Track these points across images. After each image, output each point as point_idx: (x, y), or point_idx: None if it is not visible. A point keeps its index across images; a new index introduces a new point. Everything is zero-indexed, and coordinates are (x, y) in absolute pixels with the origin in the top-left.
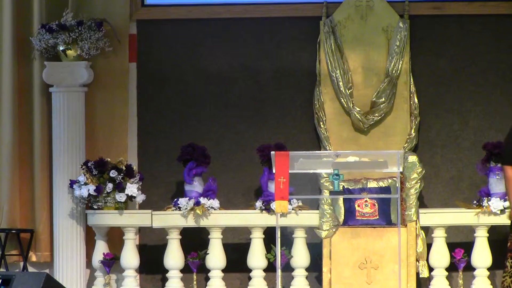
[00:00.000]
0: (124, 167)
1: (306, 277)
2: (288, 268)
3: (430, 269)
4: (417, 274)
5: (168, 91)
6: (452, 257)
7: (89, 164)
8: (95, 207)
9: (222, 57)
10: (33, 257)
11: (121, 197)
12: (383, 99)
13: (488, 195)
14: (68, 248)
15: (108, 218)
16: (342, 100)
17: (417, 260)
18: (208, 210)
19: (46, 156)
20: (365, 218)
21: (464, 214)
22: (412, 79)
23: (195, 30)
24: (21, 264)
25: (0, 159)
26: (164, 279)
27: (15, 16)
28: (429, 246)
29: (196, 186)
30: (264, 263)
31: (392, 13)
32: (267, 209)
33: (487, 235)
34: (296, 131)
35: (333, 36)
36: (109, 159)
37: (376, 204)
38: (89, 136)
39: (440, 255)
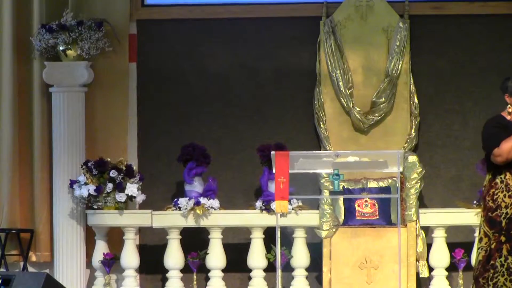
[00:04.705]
0: (124, 167)
1: (306, 277)
2: (288, 268)
3: (430, 269)
4: (417, 274)
5: (168, 91)
6: (452, 257)
7: (89, 164)
8: (95, 207)
9: (222, 57)
10: (33, 257)
11: (121, 197)
12: (383, 99)
13: None
14: (68, 248)
15: (108, 218)
16: (342, 100)
17: (417, 260)
18: (208, 210)
19: (46, 156)
20: (365, 218)
21: (464, 214)
22: (412, 79)
23: (195, 30)
24: (21, 264)
25: (0, 159)
26: (164, 279)
27: (15, 16)
28: (429, 246)
29: (196, 186)
30: (264, 263)
31: (392, 13)
32: (267, 209)
33: None
34: (296, 131)
35: (333, 36)
36: (109, 159)
37: (376, 204)
38: (89, 136)
39: (440, 255)
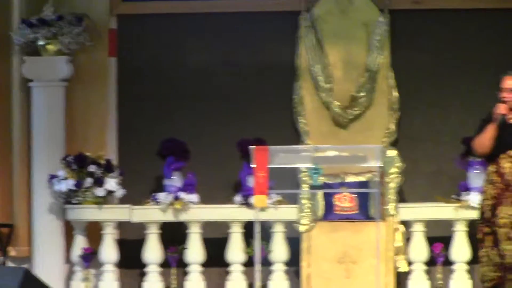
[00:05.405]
0: (103, 162)
1: (285, 272)
2: (267, 263)
3: (409, 263)
4: (396, 268)
5: (149, 86)
6: (431, 251)
7: (68, 159)
8: (74, 202)
9: (203, 52)
10: (12, 252)
11: (100, 191)
12: (363, 94)
13: (467, 189)
14: (47, 243)
15: (87, 212)
16: (322, 95)
17: (396, 255)
18: (187, 204)
19: (26, 151)
20: (344, 213)
21: (443, 208)
22: (392, 74)
23: (175, 25)
24: (1, 259)
25: None
26: (143, 274)
27: None
28: (408, 240)
29: (176, 180)
30: (243, 257)
31: (372, 7)
32: (247, 203)
33: (466, 229)
34: (276, 126)
35: (313, 30)
36: (88, 154)
37: (355, 199)
38: (68, 131)
39: (419, 250)
